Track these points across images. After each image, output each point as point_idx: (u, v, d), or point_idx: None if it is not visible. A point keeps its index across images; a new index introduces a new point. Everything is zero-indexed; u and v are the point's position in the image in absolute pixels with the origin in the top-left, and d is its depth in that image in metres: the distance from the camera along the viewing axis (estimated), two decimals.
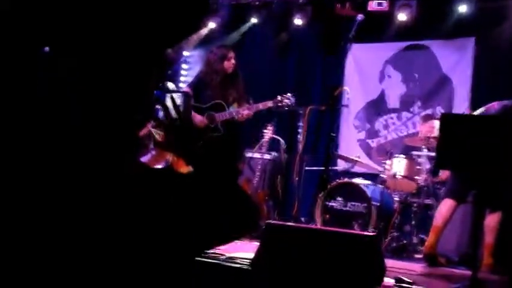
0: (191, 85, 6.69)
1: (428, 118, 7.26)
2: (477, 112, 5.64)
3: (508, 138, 4.37)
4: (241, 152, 6.78)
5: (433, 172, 6.94)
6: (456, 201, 5.73)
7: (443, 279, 5.11)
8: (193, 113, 6.32)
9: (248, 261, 4.46)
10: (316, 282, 3.99)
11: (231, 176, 6.47)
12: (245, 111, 6.32)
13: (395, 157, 7.16)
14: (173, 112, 5.27)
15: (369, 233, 5.27)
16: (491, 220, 5.48)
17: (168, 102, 5.24)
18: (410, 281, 4.56)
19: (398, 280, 4.53)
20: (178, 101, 5.65)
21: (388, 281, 4.42)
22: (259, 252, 4.28)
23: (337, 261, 3.99)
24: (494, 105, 5.47)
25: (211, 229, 2.94)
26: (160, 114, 5.59)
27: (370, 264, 3.97)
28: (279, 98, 6.40)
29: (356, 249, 3.98)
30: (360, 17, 5.99)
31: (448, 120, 4.45)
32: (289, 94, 6.43)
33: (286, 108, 6.49)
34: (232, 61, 6.46)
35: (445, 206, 5.77)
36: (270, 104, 6.39)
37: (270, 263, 4.20)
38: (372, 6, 8.39)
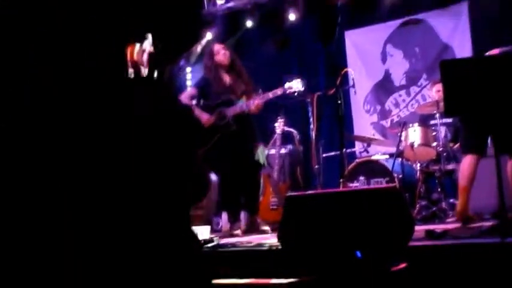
0: (196, 85, 6.74)
1: (436, 82, 7.22)
2: None
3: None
4: (256, 143, 6.71)
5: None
6: (476, 154, 5.58)
7: (475, 229, 5.09)
8: (199, 112, 6.36)
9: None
10: (346, 245, 3.99)
11: (251, 169, 6.48)
12: (255, 101, 6.31)
13: (410, 127, 7.13)
14: None
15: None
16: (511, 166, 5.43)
17: None
18: (441, 231, 4.57)
19: (429, 232, 4.52)
20: None
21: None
22: (283, 225, 4.29)
23: (363, 220, 3.99)
24: (495, 51, 5.46)
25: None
26: None
27: (397, 216, 3.95)
28: (287, 84, 6.36)
29: (380, 203, 3.98)
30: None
31: (448, 66, 4.47)
32: (297, 79, 6.37)
33: (296, 95, 6.40)
34: (223, 52, 6.49)
35: (465, 164, 5.65)
36: (279, 91, 6.31)
37: (297, 235, 4.20)
38: None
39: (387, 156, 7.45)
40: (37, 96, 2.24)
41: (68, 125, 2.29)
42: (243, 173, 6.40)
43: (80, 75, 2.33)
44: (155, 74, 2.83)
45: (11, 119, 2.23)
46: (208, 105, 6.40)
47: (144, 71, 2.73)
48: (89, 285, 2.27)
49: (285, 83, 6.35)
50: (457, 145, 6.93)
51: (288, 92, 6.34)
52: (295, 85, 6.32)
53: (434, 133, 7.02)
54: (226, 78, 6.50)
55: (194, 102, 6.52)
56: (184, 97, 6.50)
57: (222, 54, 6.47)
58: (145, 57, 2.75)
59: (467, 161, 5.67)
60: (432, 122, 7.14)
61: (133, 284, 2.39)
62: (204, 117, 6.33)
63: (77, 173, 2.30)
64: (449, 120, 7.06)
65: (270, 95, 6.34)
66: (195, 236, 3.11)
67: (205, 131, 6.28)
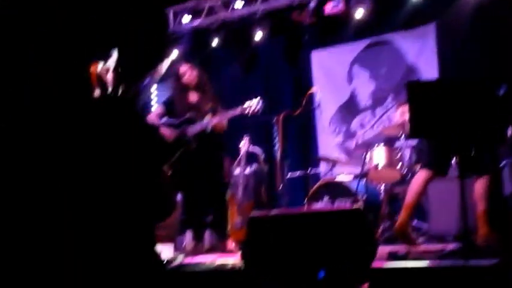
0: (164, 103, 6.70)
1: (402, 104, 7.23)
2: None
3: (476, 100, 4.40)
4: (222, 162, 6.65)
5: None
6: (433, 172, 5.53)
7: (438, 251, 5.07)
8: (162, 128, 6.28)
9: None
10: (310, 266, 3.95)
11: (217, 188, 6.44)
12: (215, 120, 6.30)
13: (374, 149, 7.15)
14: None
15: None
16: (479, 187, 5.33)
17: None
18: (404, 253, 4.56)
19: (392, 254, 4.51)
20: None
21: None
22: (247, 246, 4.25)
23: (326, 240, 3.96)
24: None
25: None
26: None
27: (360, 237, 3.93)
28: (246, 103, 6.35)
29: (343, 224, 3.96)
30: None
31: (414, 87, 4.47)
32: (256, 99, 6.37)
33: (255, 114, 6.39)
34: (189, 73, 6.46)
35: (418, 179, 5.59)
36: (238, 111, 6.34)
37: (261, 255, 4.16)
38: (328, 9, 8.42)
39: (351, 177, 7.44)
40: (37, 96, 2.22)
41: (67, 126, 2.27)
42: (208, 191, 6.37)
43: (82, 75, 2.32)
44: (120, 92, 2.79)
45: (11, 119, 2.21)
46: (173, 123, 6.35)
47: (109, 89, 2.69)
48: None
49: (244, 102, 6.34)
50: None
51: (246, 111, 6.32)
52: (254, 104, 6.31)
53: (399, 155, 7.04)
54: (193, 97, 6.48)
55: (163, 120, 6.48)
56: (152, 115, 6.48)
57: (188, 75, 6.46)
58: (109, 75, 2.71)
59: (421, 176, 5.60)
60: (397, 143, 7.17)
61: None
62: (165, 133, 6.27)
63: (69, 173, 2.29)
64: (414, 142, 7.07)
65: (229, 113, 6.33)
66: (157, 254, 3.04)
67: (166, 148, 6.24)
